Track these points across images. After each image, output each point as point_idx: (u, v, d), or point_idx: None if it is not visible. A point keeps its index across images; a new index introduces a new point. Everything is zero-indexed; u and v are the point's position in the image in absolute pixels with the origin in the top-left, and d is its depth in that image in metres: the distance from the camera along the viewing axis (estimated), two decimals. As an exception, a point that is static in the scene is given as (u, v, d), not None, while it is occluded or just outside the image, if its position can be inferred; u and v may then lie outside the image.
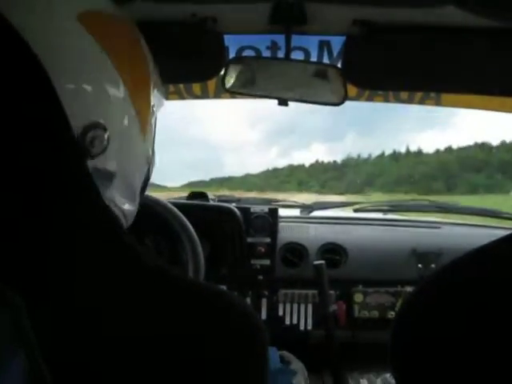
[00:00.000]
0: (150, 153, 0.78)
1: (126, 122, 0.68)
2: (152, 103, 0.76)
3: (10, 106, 0.49)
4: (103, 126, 0.63)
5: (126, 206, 0.74)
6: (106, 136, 0.63)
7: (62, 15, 0.61)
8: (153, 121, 0.77)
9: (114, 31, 0.68)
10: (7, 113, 0.49)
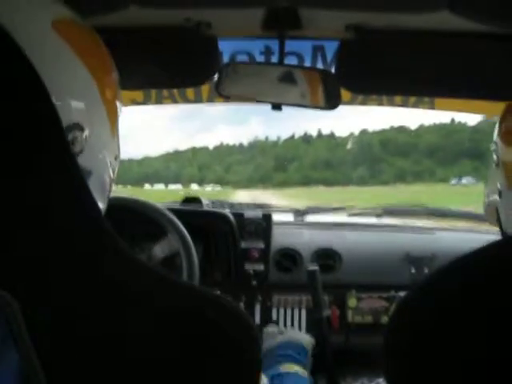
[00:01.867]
0: (118, 149, 0.81)
1: (99, 122, 0.71)
2: (119, 104, 0.79)
3: (3, 108, 0.50)
4: (81, 126, 0.66)
5: (99, 205, 0.75)
6: (84, 136, 0.66)
7: (39, 22, 0.63)
8: (119, 121, 0.81)
9: (84, 37, 0.72)
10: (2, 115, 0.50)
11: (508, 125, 1.04)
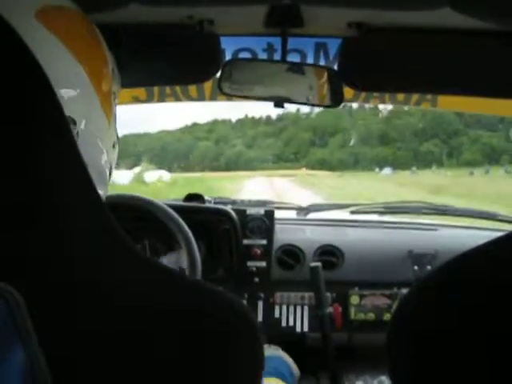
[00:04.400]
0: (116, 137, 0.81)
1: (92, 112, 0.70)
2: (113, 89, 0.78)
3: (9, 102, 0.50)
4: (73, 120, 0.65)
5: (99, 192, 0.75)
6: (76, 130, 0.66)
7: (20, 15, 0.62)
8: (115, 105, 0.80)
9: (72, 25, 0.69)
10: (7, 108, 0.49)
11: None
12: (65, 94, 0.64)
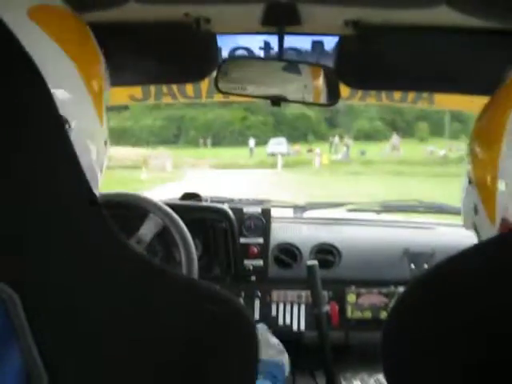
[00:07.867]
0: (107, 136, 0.81)
1: (85, 111, 0.70)
2: (104, 88, 0.78)
3: (4, 103, 0.49)
4: (66, 120, 0.65)
5: None
6: (70, 130, 0.65)
7: (13, 12, 0.61)
8: (106, 103, 0.79)
9: (65, 24, 0.69)
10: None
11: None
12: (58, 93, 0.64)
